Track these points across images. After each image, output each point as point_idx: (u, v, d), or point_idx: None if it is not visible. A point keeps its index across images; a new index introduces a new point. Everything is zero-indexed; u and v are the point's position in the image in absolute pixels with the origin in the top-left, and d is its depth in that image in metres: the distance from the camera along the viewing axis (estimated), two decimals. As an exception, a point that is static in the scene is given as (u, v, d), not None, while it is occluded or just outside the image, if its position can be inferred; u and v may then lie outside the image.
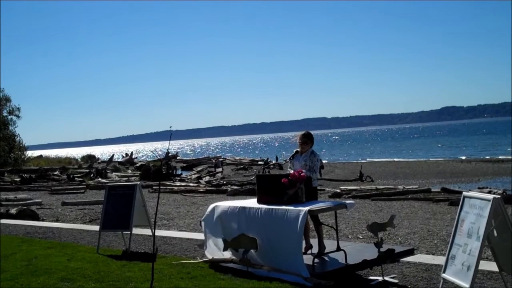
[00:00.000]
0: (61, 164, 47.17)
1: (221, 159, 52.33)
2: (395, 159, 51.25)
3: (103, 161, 60.84)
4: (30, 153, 53.71)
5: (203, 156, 69.96)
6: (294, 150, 8.13)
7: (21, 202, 19.38)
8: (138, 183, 10.06)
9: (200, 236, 9.44)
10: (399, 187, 21.26)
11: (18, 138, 49.82)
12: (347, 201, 7.80)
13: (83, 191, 25.90)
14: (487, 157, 44.71)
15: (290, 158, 8.16)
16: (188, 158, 68.44)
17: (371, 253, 7.16)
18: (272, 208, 7.20)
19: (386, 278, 6.67)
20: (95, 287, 6.80)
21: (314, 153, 7.88)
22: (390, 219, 7.19)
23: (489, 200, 5.29)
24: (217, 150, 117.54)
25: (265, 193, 7.59)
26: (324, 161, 36.00)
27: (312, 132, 8.20)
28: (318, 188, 8.59)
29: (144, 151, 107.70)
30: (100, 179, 33.89)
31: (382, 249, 6.73)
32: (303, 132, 8.05)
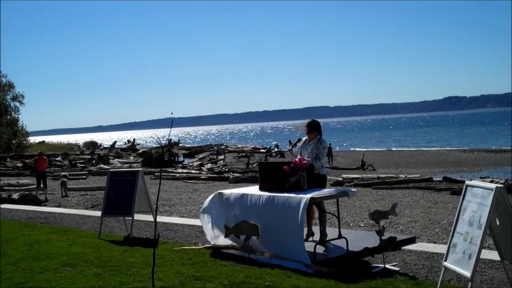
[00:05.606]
0: (63, 150, 47.24)
1: (223, 147, 52.41)
2: (397, 148, 51.23)
3: (105, 148, 60.92)
4: (32, 139, 53.79)
5: (205, 144, 70.05)
6: (299, 138, 8.10)
7: (23, 188, 19.43)
8: (140, 169, 10.04)
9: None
10: (400, 176, 21.28)
11: (21, 123, 49.92)
12: (349, 189, 7.79)
13: (85, 177, 25.96)
14: (489, 148, 44.65)
15: (293, 146, 8.13)
16: (190, 145, 68.54)
17: (373, 241, 7.16)
18: (274, 195, 7.18)
19: (388, 266, 6.68)
20: (96, 272, 6.82)
21: (321, 140, 7.82)
22: (392, 207, 7.17)
23: (491, 189, 5.26)
24: (219, 137, 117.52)
25: (267, 181, 7.57)
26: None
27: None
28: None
29: (147, 138, 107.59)
30: (102, 165, 33.96)
31: (383, 237, 6.72)
32: (308, 121, 8.02)
